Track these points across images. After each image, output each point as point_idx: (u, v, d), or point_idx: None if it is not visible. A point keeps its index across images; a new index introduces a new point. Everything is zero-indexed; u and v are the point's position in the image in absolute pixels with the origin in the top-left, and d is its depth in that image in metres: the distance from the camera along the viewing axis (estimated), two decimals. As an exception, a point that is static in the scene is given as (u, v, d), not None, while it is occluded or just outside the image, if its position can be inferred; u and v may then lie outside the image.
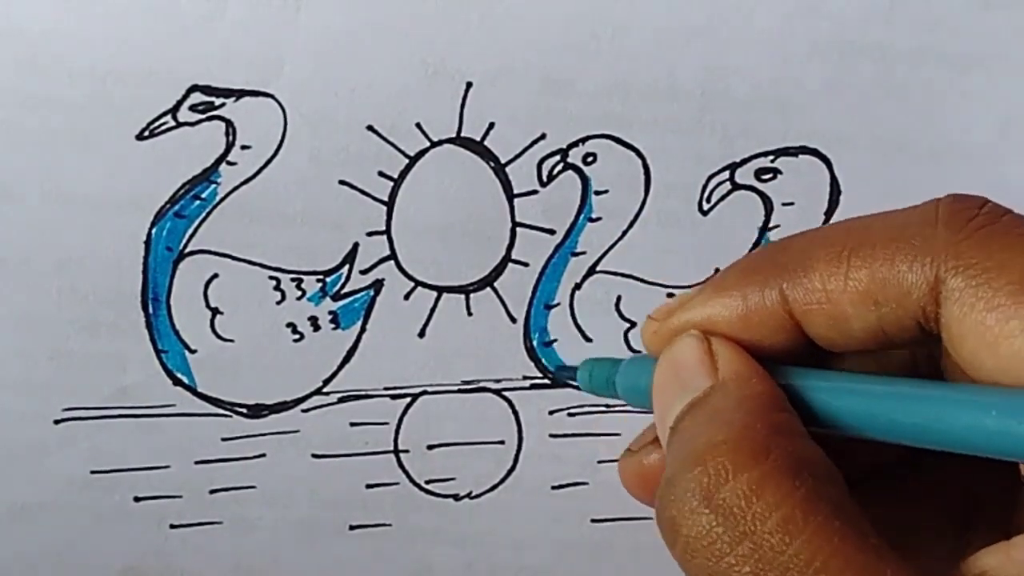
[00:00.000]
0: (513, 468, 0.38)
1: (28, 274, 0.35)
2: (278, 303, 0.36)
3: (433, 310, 0.36)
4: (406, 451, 0.37)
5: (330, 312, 0.36)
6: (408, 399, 0.37)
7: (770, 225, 0.36)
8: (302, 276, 0.35)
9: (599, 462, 0.38)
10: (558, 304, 0.36)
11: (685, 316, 0.26)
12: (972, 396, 0.21)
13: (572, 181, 0.36)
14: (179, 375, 0.36)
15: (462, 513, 0.38)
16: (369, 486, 0.38)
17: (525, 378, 0.37)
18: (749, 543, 0.20)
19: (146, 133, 0.34)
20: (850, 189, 0.36)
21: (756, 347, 0.25)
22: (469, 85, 0.34)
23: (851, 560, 0.20)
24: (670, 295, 0.36)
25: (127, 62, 0.33)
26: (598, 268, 0.36)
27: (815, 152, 0.36)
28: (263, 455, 0.37)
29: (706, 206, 0.36)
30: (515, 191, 0.35)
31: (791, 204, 0.36)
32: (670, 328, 0.26)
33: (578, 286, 0.36)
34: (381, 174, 0.35)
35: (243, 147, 0.34)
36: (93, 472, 0.36)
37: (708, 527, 0.21)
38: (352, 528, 0.38)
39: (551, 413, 0.38)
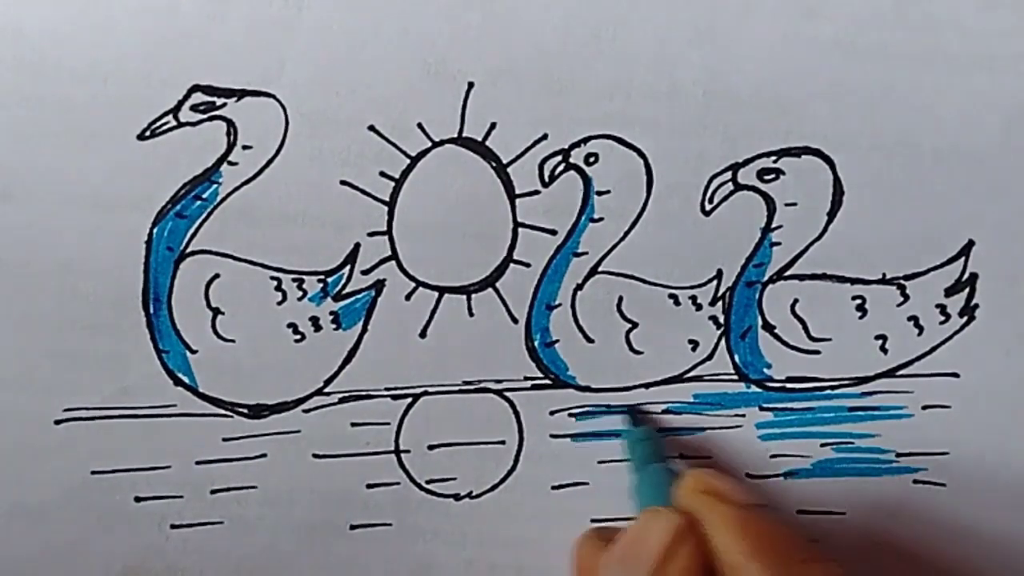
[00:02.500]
0: (514, 468, 0.38)
1: (29, 274, 0.35)
2: (279, 303, 0.36)
3: (434, 310, 0.36)
4: (407, 451, 0.37)
5: (331, 312, 0.36)
6: (409, 399, 0.37)
7: (772, 226, 0.36)
8: (303, 276, 0.35)
9: (599, 462, 0.38)
10: (560, 305, 0.36)
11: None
12: None
13: (574, 181, 0.35)
14: (180, 375, 0.36)
15: (463, 513, 0.38)
16: (370, 486, 0.38)
17: (526, 378, 0.37)
18: None
19: (147, 133, 0.34)
20: (853, 190, 0.36)
21: None
22: (471, 85, 0.34)
23: None
24: (671, 296, 0.36)
25: (129, 62, 0.33)
26: (600, 269, 0.36)
27: (818, 152, 0.35)
28: (264, 455, 0.37)
29: (708, 207, 0.36)
30: (517, 191, 0.35)
31: (794, 204, 0.36)
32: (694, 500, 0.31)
33: (580, 286, 0.36)
34: (382, 174, 0.35)
35: (244, 147, 0.34)
36: (94, 472, 0.36)
37: None
38: (353, 528, 0.38)
39: (552, 413, 0.38)
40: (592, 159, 0.35)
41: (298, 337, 0.36)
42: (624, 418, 0.37)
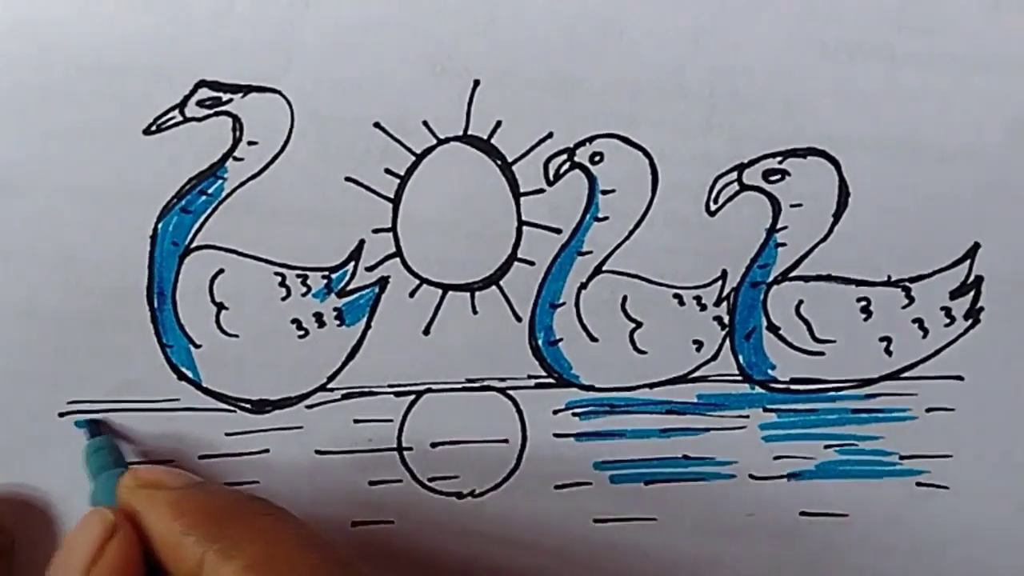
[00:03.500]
0: (517, 467, 0.38)
1: (34, 267, 0.35)
2: (283, 299, 0.36)
3: (438, 308, 0.36)
4: (410, 448, 0.37)
5: (335, 309, 0.36)
6: (412, 396, 0.37)
7: (777, 226, 0.36)
8: (307, 272, 0.35)
9: (603, 462, 0.38)
10: (564, 303, 0.36)
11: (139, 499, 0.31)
12: None
13: (579, 180, 0.35)
14: (184, 370, 0.36)
15: (465, 511, 0.38)
16: (372, 483, 0.38)
17: (530, 377, 0.37)
18: None
19: (153, 128, 0.34)
20: (858, 191, 0.36)
21: None
22: (476, 83, 0.34)
23: None
24: (676, 296, 0.36)
25: (134, 57, 0.33)
26: (604, 268, 0.36)
27: (823, 154, 0.35)
28: (267, 451, 0.37)
29: (713, 207, 0.36)
30: (521, 190, 0.35)
31: (799, 206, 0.36)
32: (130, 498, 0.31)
33: (584, 285, 0.36)
34: (387, 171, 0.35)
35: (250, 143, 0.34)
36: (97, 466, 0.36)
37: None
38: (354, 525, 0.38)
39: (555, 412, 0.37)
40: (597, 158, 0.35)
41: (302, 333, 0.36)
42: (83, 430, 0.36)
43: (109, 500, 0.32)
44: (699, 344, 0.37)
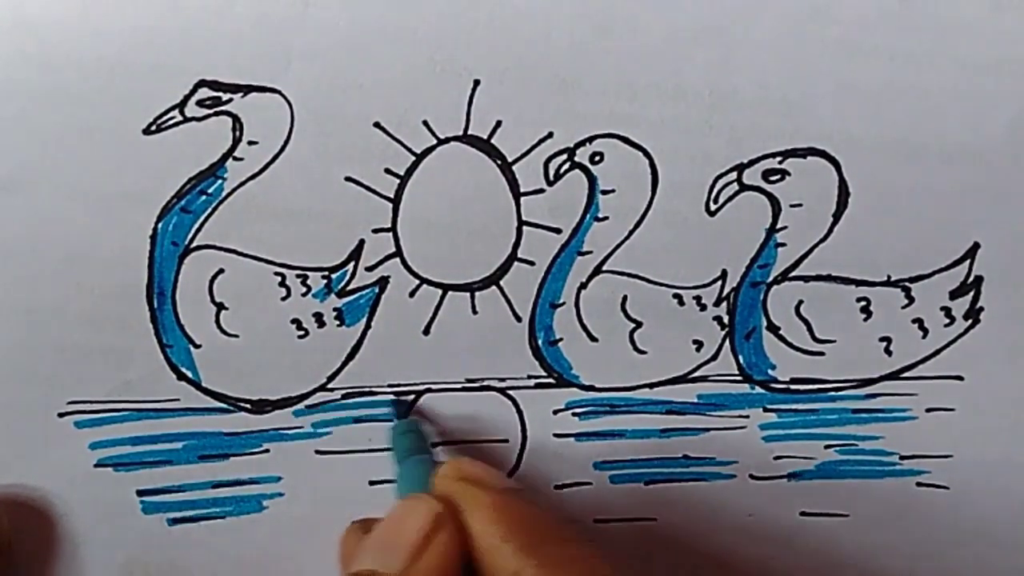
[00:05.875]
0: (516, 467, 0.38)
1: (34, 267, 0.35)
2: (283, 299, 0.36)
3: (438, 308, 0.36)
4: (410, 449, 0.37)
5: (335, 309, 0.36)
6: (412, 396, 0.37)
7: (777, 226, 0.36)
8: (307, 272, 0.35)
9: (603, 462, 0.38)
10: (564, 303, 0.36)
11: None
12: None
13: (579, 180, 0.35)
14: (183, 370, 0.36)
15: (465, 511, 0.38)
16: (372, 483, 0.38)
17: (530, 377, 0.37)
18: None
19: (153, 128, 0.34)
20: (858, 191, 0.36)
21: None
22: (477, 83, 0.34)
23: None
24: (676, 296, 0.36)
25: (134, 56, 0.33)
26: (604, 268, 0.36)
27: (823, 153, 0.35)
28: (267, 451, 0.37)
29: (713, 207, 0.36)
30: (521, 190, 0.35)
31: (799, 205, 0.36)
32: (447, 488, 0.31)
33: (584, 285, 0.36)
34: (387, 171, 0.35)
35: (250, 143, 0.34)
36: (96, 465, 0.36)
37: None
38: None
39: (555, 412, 0.38)
40: (597, 158, 0.35)
41: (302, 333, 0.36)
42: (389, 410, 0.37)
43: (417, 487, 0.32)
44: (699, 344, 0.37)
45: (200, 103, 0.34)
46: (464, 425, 0.37)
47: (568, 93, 0.35)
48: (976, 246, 0.36)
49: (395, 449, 0.35)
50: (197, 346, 0.36)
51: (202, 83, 0.34)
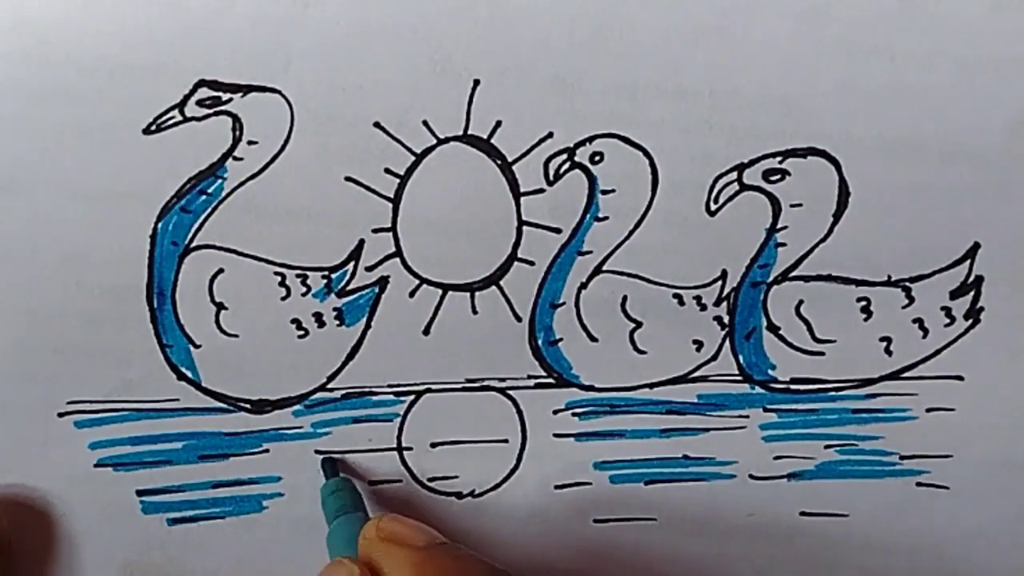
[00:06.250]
0: (516, 467, 0.38)
1: (34, 267, 0.35)
2: (283, 299, 0.36)
3: (438, 308, 0.36)
4: (409, 448, 0.37)
5: (335, 308, 0.36)
6: (412, 396, 0.37)
7: (778, 226, 0.36)
8: (307, 272, 0.35)
9: (603, 462, 0.38)
10: (564, 303, 0.36)
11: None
12: None
13: (579, 180, 0.35)
14: (183, 370, 0.36)
15: (465, 511, 0.38)
16: (372, 483, 0.38)
17: (529, 377, 0.37)
18: None
19: (153, 127, 0.34)
20: (858, 191, 0.36)
21: None
22: (476, 83, 0.34)
23: None
24: (676, 295, 0.36)
25: (134, 56, 0.33)
26: (604, 268, 0.36)
27: (823, 153, 0.35)
28: (267, 451, 0.37)
29: (713, 207, 0.36)
30: (521, 189, 0.35)
31: (799, 205, 0.36)
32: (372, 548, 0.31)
33: (584, 285, 0.36)
34: (387, 171, 0.35)
35: (250, 142, 0.34)
36: (96, 465, 0.36)
37: None
38: (355, 525, 0.38)
39: (555, 412, 0.38)
40: (597, 158, 0.35)
41: (301, 333, 0.36)
42: (320, 471, 0.37)
43: (346, 547, 0.32)
44: (699, 344, 0.37)
45: (200, 103, 0.34)
46: (464, 425, 0.37)
47: (568, 93, 0.35)
48: (976, 246, 0.36)
49: (325, 510, 0.35)
50: (197, 346, 0.36)
51: (202, 83, 0.34)
